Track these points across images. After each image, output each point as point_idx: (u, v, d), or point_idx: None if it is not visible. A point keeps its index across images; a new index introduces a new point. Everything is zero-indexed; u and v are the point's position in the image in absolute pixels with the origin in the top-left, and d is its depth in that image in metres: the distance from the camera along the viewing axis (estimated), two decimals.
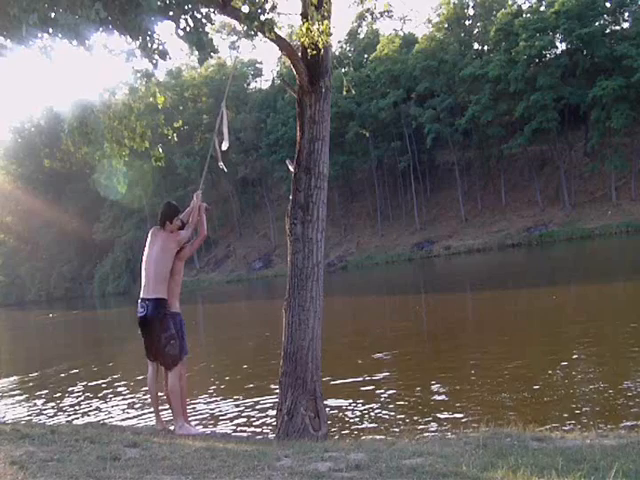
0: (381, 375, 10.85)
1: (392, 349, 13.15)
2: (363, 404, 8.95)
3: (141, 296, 5.91)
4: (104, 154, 6.71)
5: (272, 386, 9.62)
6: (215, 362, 14.51)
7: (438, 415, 7.98)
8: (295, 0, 6.03)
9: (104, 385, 12.75)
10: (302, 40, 5.66)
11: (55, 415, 10.25)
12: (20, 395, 12.70)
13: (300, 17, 5.97)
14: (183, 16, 4.50)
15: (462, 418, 7.65)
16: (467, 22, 63.09)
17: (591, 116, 50.86)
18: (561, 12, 49.69)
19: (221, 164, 6.62)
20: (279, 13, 5.46)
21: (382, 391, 9.58)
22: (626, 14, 51.38)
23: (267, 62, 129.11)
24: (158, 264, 5.95)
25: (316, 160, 6.19)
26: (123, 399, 11.15)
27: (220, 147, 6.61)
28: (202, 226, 6.32)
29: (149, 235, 6.21)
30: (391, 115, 57.80)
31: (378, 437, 6.86)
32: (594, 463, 3.73)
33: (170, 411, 6.36)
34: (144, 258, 6.07)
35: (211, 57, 4.66)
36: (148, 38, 4.45)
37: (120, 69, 5.57)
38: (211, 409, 9.56)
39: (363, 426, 7.90)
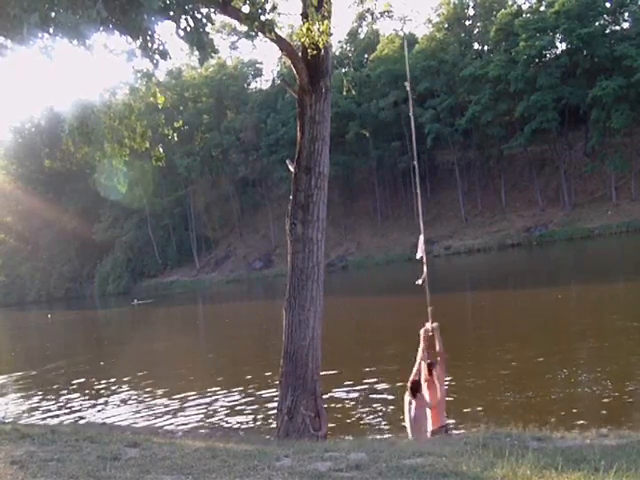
0: (381, 375, 10.86)
1: (392, 349, 13.14)
2: (363, 404, 8.96)
3: None
4: (104, 154, 6.70)
5: (271, 386, 9.61)
6: (215, 362, 14.52)
7: None
8: (295, 0, 6.03)
9: (104, 385, 12.75)
10: (302, 40, 5.66)
11: (55, 414, 10.26)
12: (19, 394, 12.71)
13: (300, 17, 5.97)
14: (183, 16, 4.50)
15: (462, 418, 7.66)
16: (467, 22, 63.01)
17: (591, 116, 50.80)
18: (561, 12, 49.65)
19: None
20: (279, 13, 5.48)
21: (382, 391, 9.59)
22: (626, 14, 51.33)
23: (267, 62, 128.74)
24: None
25: (316, 160, 6.19)
26: (123, 399, 11.15)
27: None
28: (439, 343, 6.51)
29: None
30: (391, 115, 57.72)
31: (378, 437, 6.87)
32: (594, 463, 3.72)
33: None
34: None
35: (211, 57, 4.66)
36: (148, 38, 4.45)
37: (120, 69, 5.57)
38: (211, 408, 9.57)
39: (363, 426, 7.91)
